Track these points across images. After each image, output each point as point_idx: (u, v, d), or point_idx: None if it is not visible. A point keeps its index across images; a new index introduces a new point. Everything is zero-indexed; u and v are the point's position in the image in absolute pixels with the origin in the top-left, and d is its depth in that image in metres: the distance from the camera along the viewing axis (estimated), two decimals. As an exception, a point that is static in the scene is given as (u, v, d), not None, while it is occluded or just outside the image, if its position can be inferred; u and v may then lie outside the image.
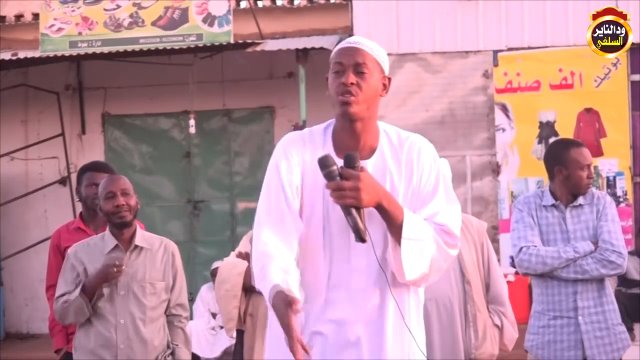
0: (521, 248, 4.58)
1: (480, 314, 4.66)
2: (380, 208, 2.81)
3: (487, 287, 4.81)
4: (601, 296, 4.57)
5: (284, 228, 2.86)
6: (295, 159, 2.93)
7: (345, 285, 2.88)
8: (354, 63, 2.90)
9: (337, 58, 2.94)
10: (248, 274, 4.37)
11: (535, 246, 4.55)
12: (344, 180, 2.77)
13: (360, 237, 2.78)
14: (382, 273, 2.86)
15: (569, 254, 4.50)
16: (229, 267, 4.47)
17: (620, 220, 9.72)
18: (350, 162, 2.82)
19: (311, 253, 2.90)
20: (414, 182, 2.92)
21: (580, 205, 4.61)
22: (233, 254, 4.56)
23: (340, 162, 2.81)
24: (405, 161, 2.94)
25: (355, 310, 2.88)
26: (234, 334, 4.64)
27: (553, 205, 4.63)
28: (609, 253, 4.47)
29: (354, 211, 2.77)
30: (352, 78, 2.88)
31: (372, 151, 2.94)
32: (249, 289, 4.42)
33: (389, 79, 3.00)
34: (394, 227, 2.81)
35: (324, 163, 2.80)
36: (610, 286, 4.73)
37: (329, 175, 2.79)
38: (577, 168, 4.60)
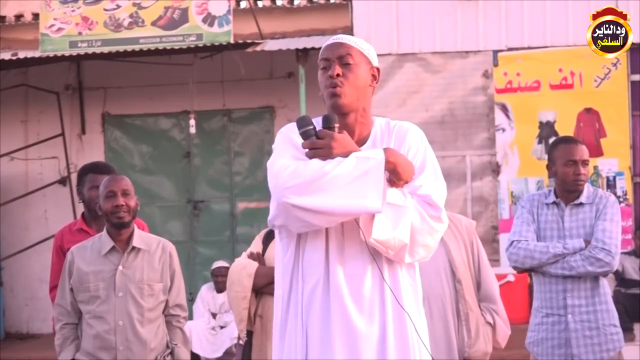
0: (512, 242, 4.59)
1: (472, 313, 4.67)
2: None
3: (478, 286, 4.82)
4: (594, 296, 4.53)
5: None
6: (297, 142, 2.97)
7: (340, 269, 2.89)
8: (339, 56, 2.95)
9: (322, 55, 2.99)
10: (258, 275, 4.37)
11: (526, 241, 4.55)
12: (318, 139, 2.82)
13: None
14: (374, 255, 2.86)
15: (557, 249, 4.49)
16: (239, 268, 4.47)
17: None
18: (327, 123, 2.87)
19: (316, 234, 2.92)
20: None
21: (581, 203, 4.59)
22: (244, 255, 4.55)
23: None
24: (393, 143, 2.98)
25: (351, 296, 2.88)
26: (240, 335, 4.64)
27: (554, 203, 4.63)
28: (597, 251, 4.44)
29: None
30: (337, 69, 2.93)
31: (365, 142, 2.98)
32: (259, 291, 4.42)
33: (378, 69, 3.04)
34: None
35: (302, 123, 2.87)
36: (608, 287, 4.68)
37: (304, 134, 2.85)
38: (562, 164, 4.59)
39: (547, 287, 4.57)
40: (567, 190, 4.61)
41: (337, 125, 2.86)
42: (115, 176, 4.61)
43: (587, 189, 4.65)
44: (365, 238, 2.82)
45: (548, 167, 4.69)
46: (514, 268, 4.65)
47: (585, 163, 4.61)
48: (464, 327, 4.65)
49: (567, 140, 4.82)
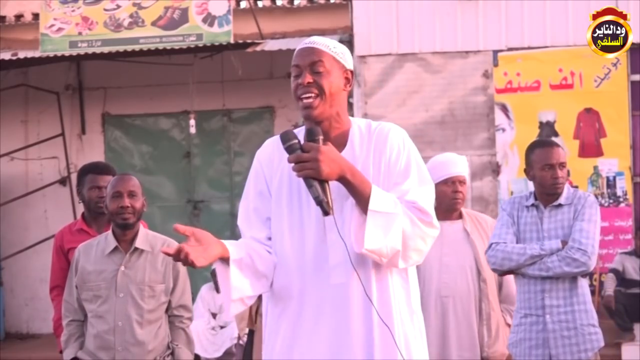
0: (491, 244, 4.58)
1: (494, 313, 4.70)
2: (344, 181, 2.81)
3: (500, 286, 4.84)
4: (572, 296, 4.51)
5: (253, 232, 3.00)
6: (265, 169, 3.01)
7: (323, 280, 2.88)
8: (310, 62, 2.91)
9: (293, 61, 2.96)
10: None
11: (505, 243, 4.54)
12: (304, 153, 2.80)
13: (324, 210, 2.79)
14: (362, 257, 2.84)
15: (534, 250, 4.48)
16: None
17: (620, 220, 9.75)
18: (311, 136, 2.86)
19: (279, 255, 2.95)
20: (383, 165, 2.93)
21: (560, 205, 4.59)
22: None
23: None
24: (374, 147, 2.95)
25: (335, 305, 2.87)
26: (240, 334, 4.65)
27: (533, 205, 4.63)
28: (573, 251, 4.42)
29: (316, 183, 2.78)
30: (309, 78, 2.89)
31: (343, 146, 2.95)
32: None
33: (352, 71, 3.00)
34: (361, 201, 2.80)
35: (285, 138, 2.85)
36: (587, 287, 4.66)
37: (289, 149, 2.83)
38: (539, 168, 4.59)
39: (525, 287, 4.57)
40: (545, 194, 4.61)
41: (321, 137, 2.84)
42: (124, 176, 4.58)
43: (567, 190, 4.63)
44: (350, 249, 2.80)
45: (526, 171, 4.70)
46: (494, 270, 4.65)
47: (562, 165, 4.59)
48: (484, 327, 4.67)
49: (543, 143, 4.80)
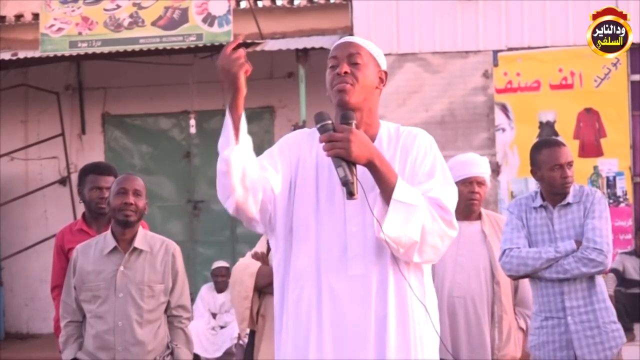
0: (504, 250, 4.55)
1: (507, 316, 4.67)
2: (371, 166, 2.83)
3: (516, 290, 4.81)
4: (591, 295, 4.50)
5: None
6: (293, 153, 3.01)
7: (341, 270, 2.89)
8: (348, 54, 2.97)
9: (331, 54, 3.02)
10: (260, 274, 4.37)
11: (519, 248, 4.52)
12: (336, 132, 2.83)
13: (350, 191, 2.80)
14: (381, 250, 2.86)
15: (549, 254, 4.46)
16: (242, 267, 4.48)
17: (620, 220, 9.75)
18: (344, 119, 2.89)
19: (303, 239, 2.95)
20: (409, 164, 2.97)
21: (568, 204, 4.56)
22: (249, 254, 4.55)
23: None
24: (401, 147, 3.00)
25: (352, 296, 2.88)
26: (241, 334, 4.64)
27: (541, 206, 4.61)
28: (589, 251, 4.41)
29: (344, 164, 2.80)
30: (346, 67, 2.95)
31: (371, 141, 2.96)
32: (261, 290, 4.42)
33: (386, 73, 3.05)
34: (386, 190, 2.83)
35: (320, 118, 2.88)
36: (604, 284, 4.66)
37: (322, 128, 2.85)
38: (547, 169, 4.56)
39: (544, 290, 4.54)
40: (554, 193, 4.59)
41: (354, 121, 2.88)
42: (129, 175, 4.64)
43: (573, 187, 4.61)
44: (377, 232, 2.82)
45: (532, 171, 4.67)
46: (509, 276, 4.62)
47: (570, 165, 4.57)
48: (496, 329, 4.65)
49: (550, 143, 4.78)
